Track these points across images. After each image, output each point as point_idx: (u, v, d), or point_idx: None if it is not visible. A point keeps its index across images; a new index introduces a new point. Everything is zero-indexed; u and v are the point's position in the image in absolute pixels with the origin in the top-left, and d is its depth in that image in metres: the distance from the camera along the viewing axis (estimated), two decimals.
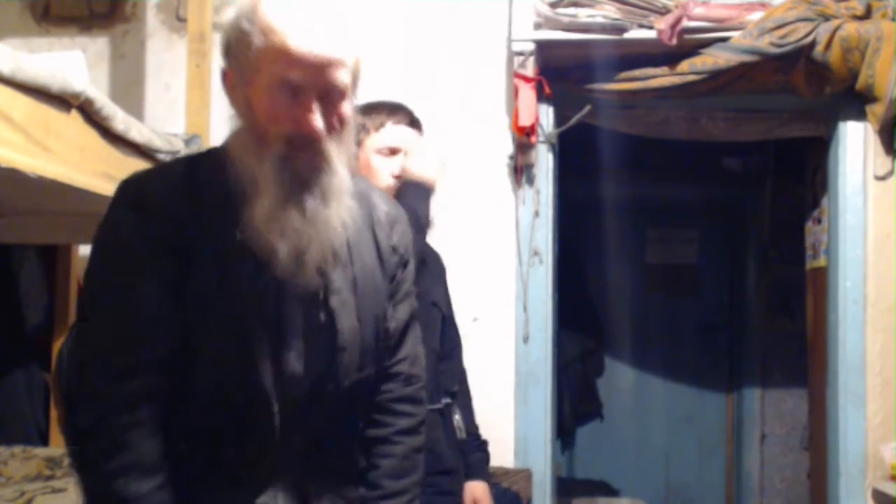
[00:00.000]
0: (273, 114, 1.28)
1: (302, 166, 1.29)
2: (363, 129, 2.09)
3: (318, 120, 1.27)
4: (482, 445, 2.33)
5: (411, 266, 1.54)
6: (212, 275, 1.29)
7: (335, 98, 1.30)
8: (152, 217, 1.31)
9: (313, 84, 1.27)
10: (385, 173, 2.06)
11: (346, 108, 1.32)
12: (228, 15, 1.32)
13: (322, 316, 1.35)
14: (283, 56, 1.25)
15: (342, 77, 1.30)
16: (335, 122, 1.31)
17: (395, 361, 1.51)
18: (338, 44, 1.29)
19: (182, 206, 1.31)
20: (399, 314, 1.50)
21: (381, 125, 2.08)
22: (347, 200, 1.35)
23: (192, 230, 1.31)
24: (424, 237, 2.05)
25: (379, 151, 2.07)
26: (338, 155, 1.32)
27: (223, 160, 1.34)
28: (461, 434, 2.22)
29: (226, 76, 1.35)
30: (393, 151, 2.07)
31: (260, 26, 1.26)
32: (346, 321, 1.37)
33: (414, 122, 2.13)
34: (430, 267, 2.21)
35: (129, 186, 1.36)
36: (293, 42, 1.25)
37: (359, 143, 2.10)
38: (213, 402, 1.31)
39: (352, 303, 1.38)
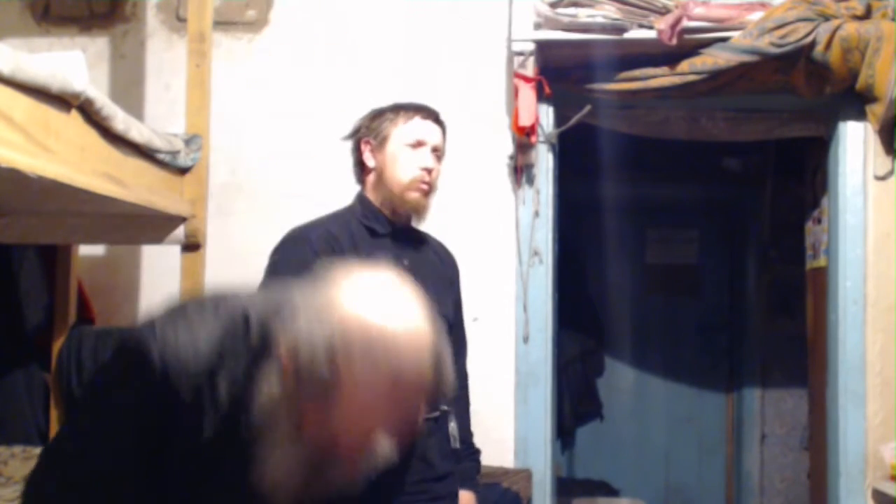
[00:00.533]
0: (322, 434, 1.13)
1: (331, 476, 1.16)
2: (391, 122, 2.13)
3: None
4: (474, 455, 2.31)
5: None
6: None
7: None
8: (151, 399, 1.16)
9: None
10: (412, 165, 2.09)
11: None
12: (302, 334, 1.09)
13: None
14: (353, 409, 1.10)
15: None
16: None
17: None
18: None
19: (190, 398, 1.16)
20: None
21: (410, 118, 2.13)
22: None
23: (193, 424, 1.17)
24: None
25: (407, 143, 2.11)
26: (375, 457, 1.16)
27: (262, 362, 1.16)
28: (454, 443, 2.21)
29: (285, 363, 1.14)
30: (420, 144, 2.12)
31: (340, 389, 1.08)
32: None
33: (439, 122, 2.17)
34: (437, 274, 2.21)
35: (143, 352, 1.16)
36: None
37: (385, 136, 2.12)
38: None
39: None
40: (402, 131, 2.12)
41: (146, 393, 1.16)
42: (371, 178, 2.16)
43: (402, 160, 2.11)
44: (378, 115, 2.17)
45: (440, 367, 1.14)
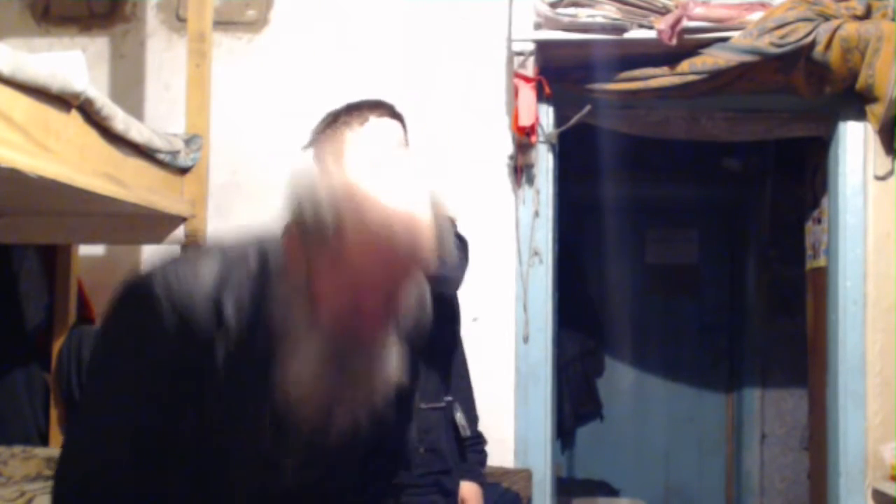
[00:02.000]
0: (338, 298, 1.15)
1: (353, 339, 1.17)
2: (346, 126, 2.11)
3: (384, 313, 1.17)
4: (478, 447, 2.30)
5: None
6: (220, 406, 1.21)
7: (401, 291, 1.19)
8: (162, 331, 1.18)
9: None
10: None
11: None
12: (300, 192, 1.15)
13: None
14: (362, 251, 1.12)
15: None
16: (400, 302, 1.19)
17: None
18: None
19: (199, 323, 1.19)
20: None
21: (365, 120, 2.10)
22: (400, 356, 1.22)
23: (206, 350, 1.19)
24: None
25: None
26: (393, 332, 1.20)
27: (265, 281, 1.21)
28: (465, 432, 2.19)
29: (289, 241, 1.19)
30: None
31: (340, 224, 1.12)
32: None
33: (396, 115, 2.14)
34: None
35: (147, 288, 1.21)
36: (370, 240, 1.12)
37: (342, 141, 2.11)
38: None
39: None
40: (359, 134, 2.10)
41: (157, 327, 1.18)
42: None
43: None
44: (333, 121, 2.14)
45: (438, 228, 1.15)
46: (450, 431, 2.15)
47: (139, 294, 1.21)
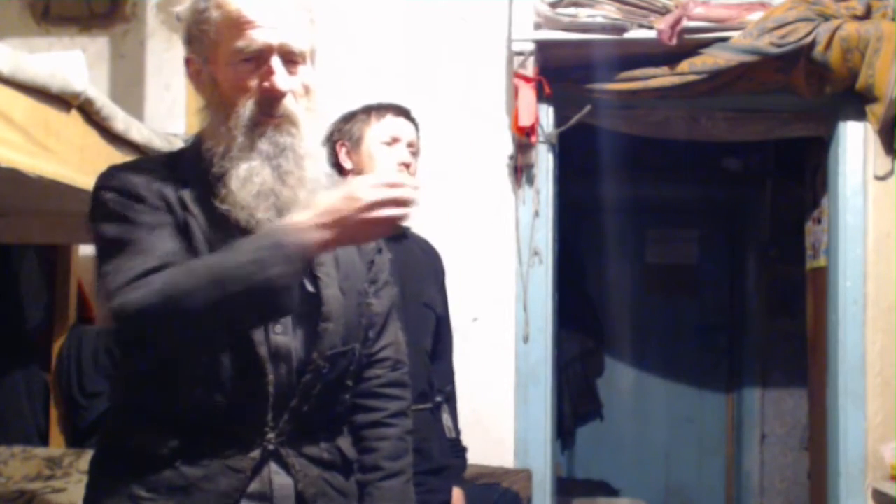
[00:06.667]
0: (238, 82, 1.32)
1: (272, 130, 1.32)
2: (364, 122, 2.14)
3: (282, 80, 1.31)
4: (461, 452, 2.31)
5: (386, 255, 1.58)
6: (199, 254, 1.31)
7: (296, 62, 1.34)
8: (139, 198, 1.33)
9: (273, 48, 1.31)
10: (389, 162, 2.09)
11: (309, 73, 1.36)
12: (186, 2, 1.36)
13: (308, 286, 1.38)
14: (240, 22, 1.30)
15: (301, 40, 1.34)
16: (299, 87, 1.35)
17: (380, 347, 1.54)
18: (292, 6, 1.34)
19: (164, 189, 1.34)
20: (382, 300, 1.53)
21: (383, 116, 2.16)
22: (320, 165, 1.38)
23: (177, 211, 1.33)
24: None
25: (382, 141, 2.13)
26: (305, 120, 1.35)
27: (199, 146, 1.39)
28: (450, 434, 2.21)
29: (188, 63, 1.39)
30: (395, 140, 2.14)
31: (215, 1, 1.31)
32: (331, 291, 1.40)
33: (412, 118, 2.19)
34: (421, 267, 2.22)
35: (113, 173, 1.37)
36: (247, 6, 1.30)
37: (360, 136, 2.13)
38: (204, 384, 1.31)
39: (335, 275, 1.42)
40: (376, 130, 2.14)
41: (121, 187, 1.34)
42: (350, 179, 2.15)
43: (378, 158, 2.12)
44: (351, 117, 2.19)
45: None
46: (440, 432, 2.15)
47: (110, 178, 1.37)
